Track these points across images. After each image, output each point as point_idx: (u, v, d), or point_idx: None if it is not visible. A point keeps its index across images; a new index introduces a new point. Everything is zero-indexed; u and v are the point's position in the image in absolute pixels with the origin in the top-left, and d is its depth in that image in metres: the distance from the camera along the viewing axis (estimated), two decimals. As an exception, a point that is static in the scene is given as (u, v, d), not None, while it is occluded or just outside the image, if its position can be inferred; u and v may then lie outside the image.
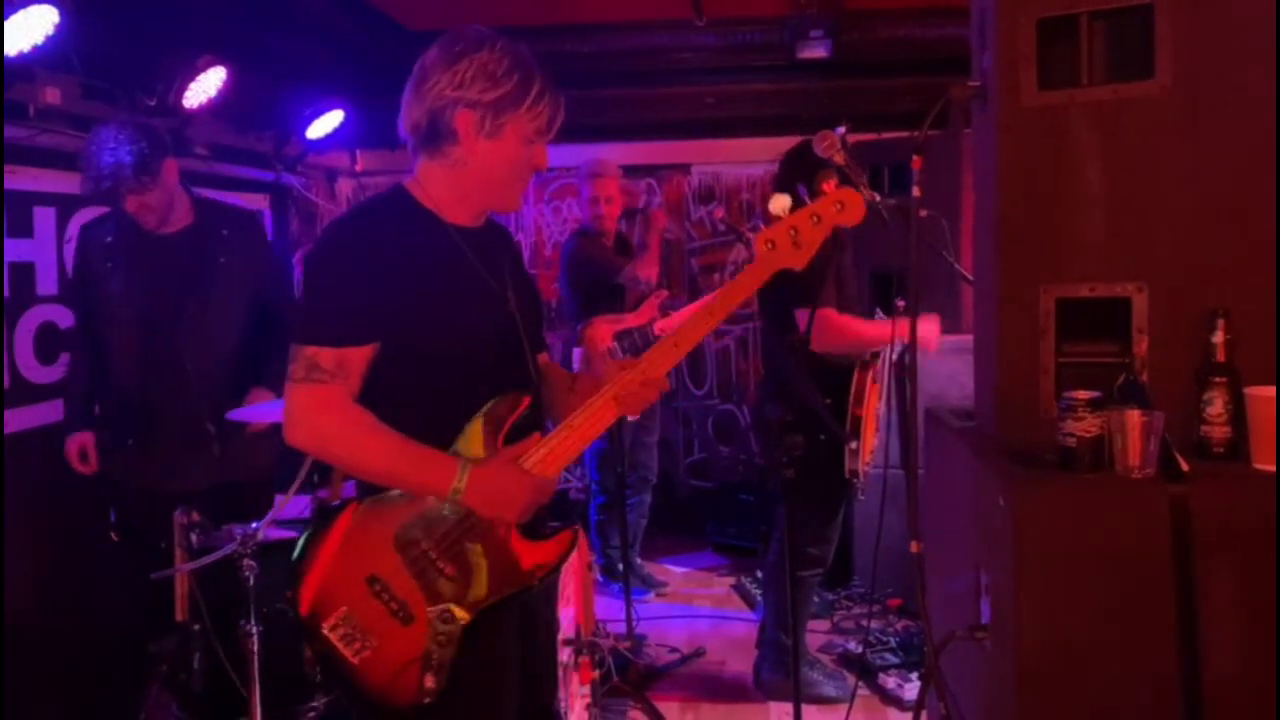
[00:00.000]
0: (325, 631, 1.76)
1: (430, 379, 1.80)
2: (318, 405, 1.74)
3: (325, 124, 4.49)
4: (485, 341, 1.84)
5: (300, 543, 1.81)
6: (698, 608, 4.57)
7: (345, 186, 5.69)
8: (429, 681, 1.74)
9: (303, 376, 1.74)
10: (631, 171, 5.79)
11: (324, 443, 1.77)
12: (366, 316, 1.75)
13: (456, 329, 1.81)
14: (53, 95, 3.11)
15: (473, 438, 1.80)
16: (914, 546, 2.07)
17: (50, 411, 3.31)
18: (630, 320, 4.32)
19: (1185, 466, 1.74)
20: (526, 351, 1.92)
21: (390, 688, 1.76)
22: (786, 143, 3.56)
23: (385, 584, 1.76)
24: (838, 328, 3.14)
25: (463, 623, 1.76)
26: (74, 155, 3.33)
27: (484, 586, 1.78)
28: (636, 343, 4.27)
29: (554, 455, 1.83)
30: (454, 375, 1.80)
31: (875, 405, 3.26)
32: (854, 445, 3.12)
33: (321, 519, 1.83)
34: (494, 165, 1.82)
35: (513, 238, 2.16)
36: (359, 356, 1.75)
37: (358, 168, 5.62)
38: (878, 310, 3.62)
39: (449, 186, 1.85)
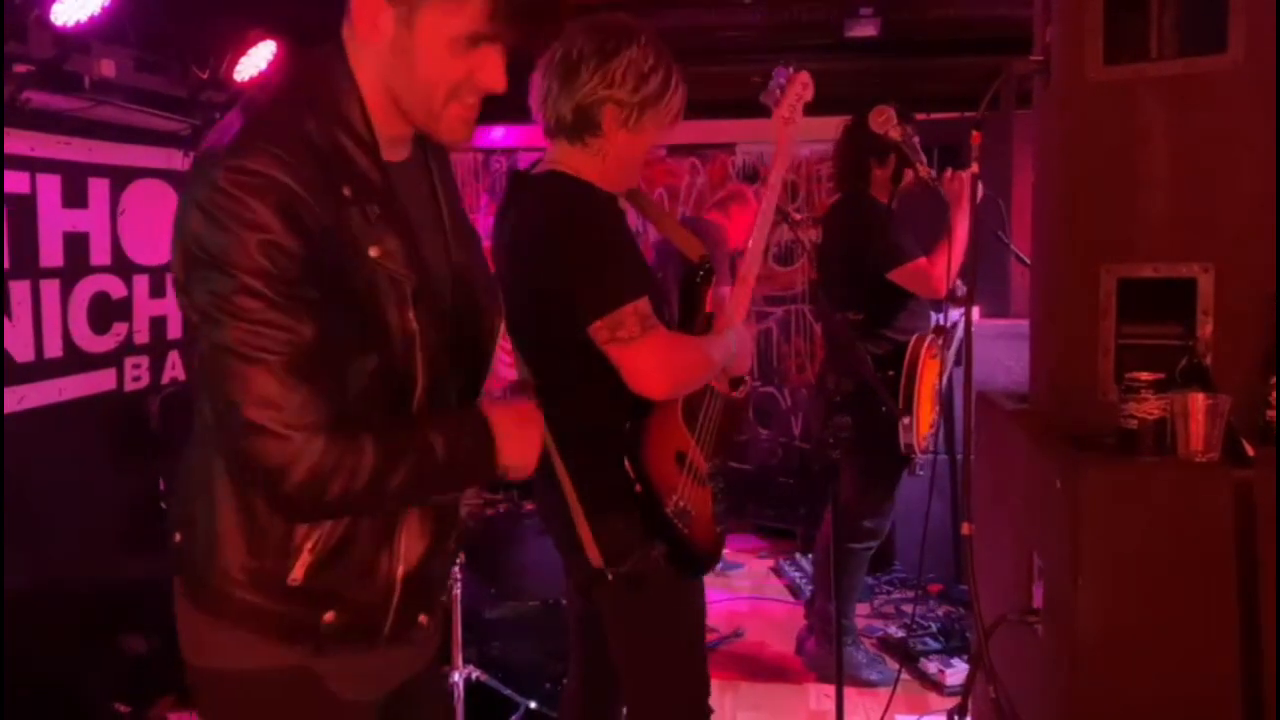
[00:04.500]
0: (668, 511, 1.93)
1: None
2: (666, 346, 1.87)
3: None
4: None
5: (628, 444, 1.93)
6: (736, 589, 4.56)
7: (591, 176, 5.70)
8: (718, 527, 2.06)
9: (639, 331, 1.83)
10: (675, 150, 5.77)
11: (679, 375, 1.90)
12: (639, 269, 1.91)
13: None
14: (108, 68, 3.13)
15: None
16: (965, 529, 2.05)
17: (104, 380, 3.36)
18: None
19: (1251, 451, 1.70)
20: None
21: (709, 544, 2.05)
22: (832, 123, 3.53)
23: (687, 457, 1.97)
24: (936, 273, 3.16)
25: (721, 470, 2.07)
26: (128, 127, 3.37)
27: (725, 437, 2.07)
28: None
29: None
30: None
31: (932, 380, 3.22)
32: (907, 420, 3.10)
33: (635, 422, 1.93)
34: (631, 154, 1.95)
35: None
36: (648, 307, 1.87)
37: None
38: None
39: (588, 170, 1.94)
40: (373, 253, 1.27)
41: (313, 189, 1.21)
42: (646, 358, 1.82)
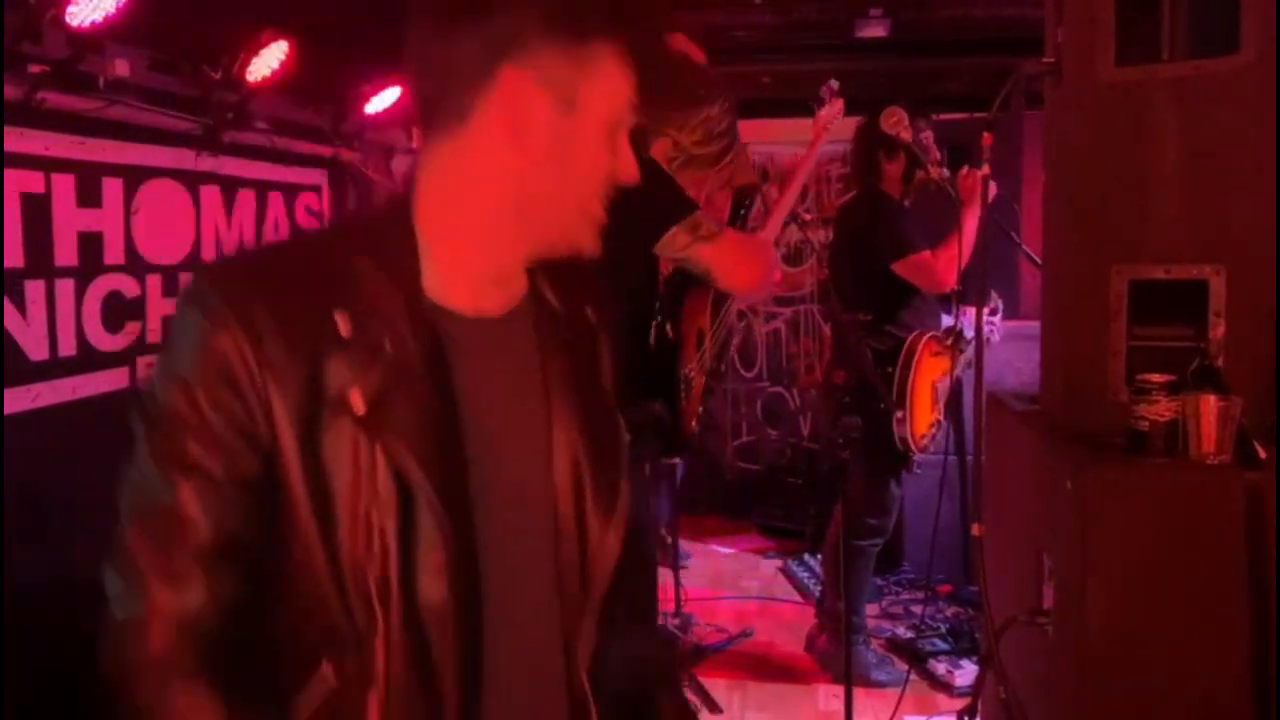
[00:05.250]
0: (682, 372, 2.12)
1: None
2: (739, 237, 2.19)
3: (383, 100, 4.51)
4: None
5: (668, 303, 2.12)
6: (745, 589, 4.56)
7: (401, 163, 5.72)
8: (697, 421, 2.30)
9: (716, 230, 2.05)
10: (684, 151, 5.78)
11: (757, 268, 2.12)
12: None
13: None
14: (122, 68, 3.14)
15: None
16: (975, 529, 2.05)
17: (116, 379, 3.37)
18: None
19: (1262, 454, 1.70)
20: None
21: (689, 426, 2.25)
22: (843, 124, 3.53)
23: (704, 340, 2.19)
24: (940, 266, 3.17)
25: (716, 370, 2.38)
26: (141, 127, 3.38)
27: (721, 345, 2.33)
28: None
29: None
30: None
31: (932, 378, 3.22)
32: (900, 415, 3.09)
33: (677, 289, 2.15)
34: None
35: None
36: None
37: (414, 144, 5.65)
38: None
39: None
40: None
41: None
42: (733, 249, 2.00)
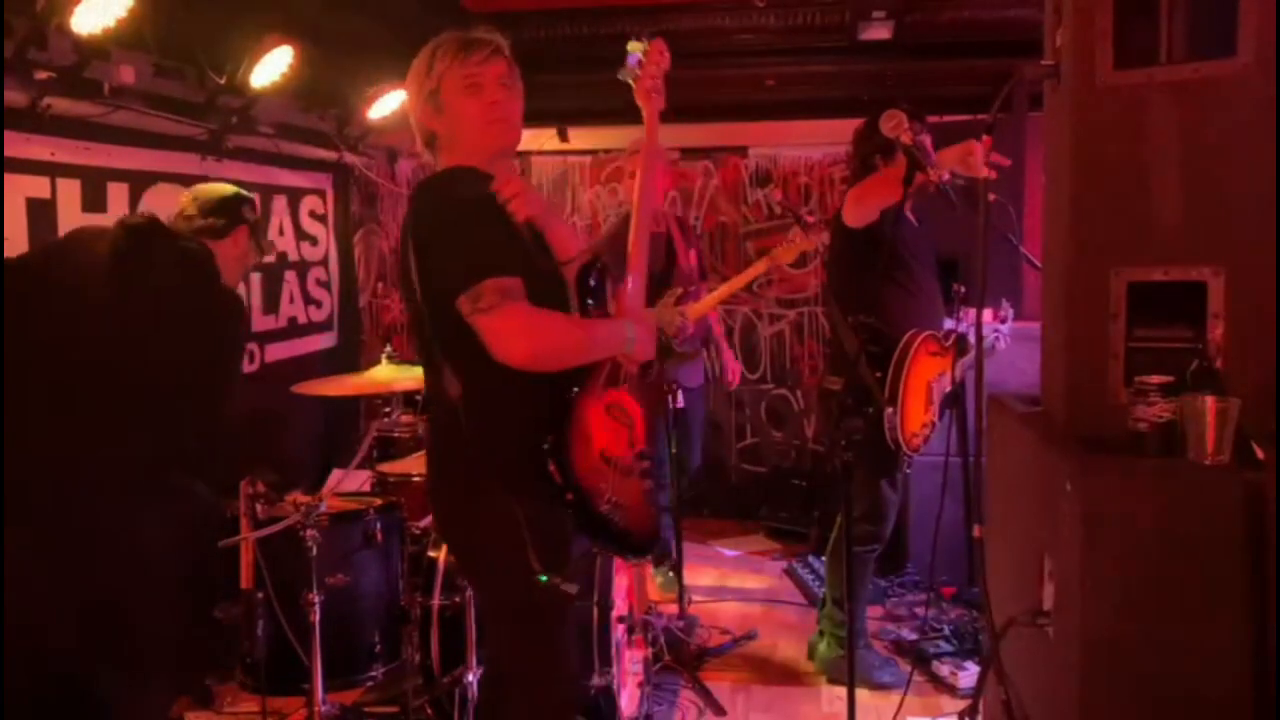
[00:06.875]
0: (603, 511, 2.00)
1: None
2: (520, 315, 1.92)
3: (387, 104, 4.53)
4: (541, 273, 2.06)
5: (551, 450, 1.98)
6: (750, 591, 4.57)
7: (405, 167, 5.74)
8: (653, 508, 2.15)
9: (498, 301, 1.89)
10: (688, 154, 5.78)
11: (542, 343, 1.94)
12: (512, 249, 1.97)
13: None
14: (127, 74, 3.17)
15: None
16: (976, 531, 2.06)
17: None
18: None
19: (1261, 455, 1.70)
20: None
21: (646, 527, 2.13)
22: (845, 125, 3.54)
23: (611, 456, 2.04)
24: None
25: (649, 455, 2.15)
26: (146, 132, 3.41)
27: (643, 419, 2.14)
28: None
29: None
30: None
31: (927, 378, 3.21)
32: (890, 411, 3.08)
33: (560, 425, 1.99)
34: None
35: None
36: (519, 285, 1.93)
37: (417, 148, 5.66)
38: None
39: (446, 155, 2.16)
40: None
41: None
42: (507, 322, 1.89)
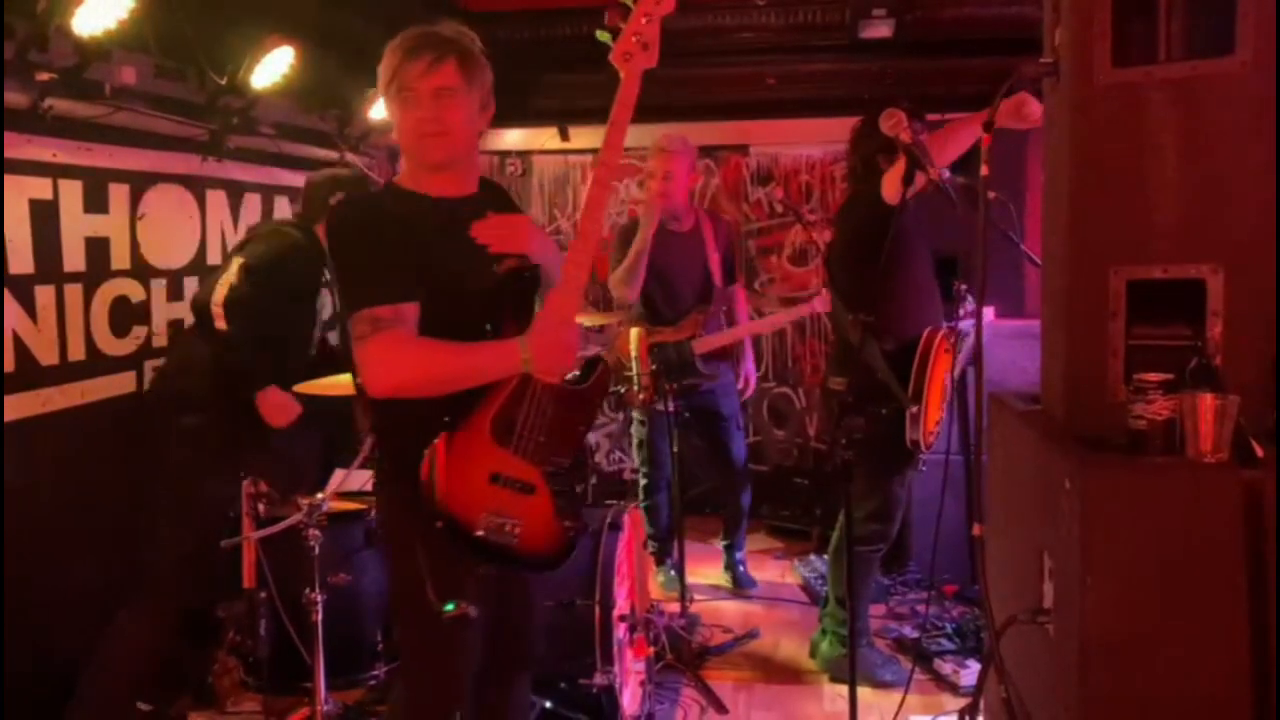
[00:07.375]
0: (479, 535, 1.99)
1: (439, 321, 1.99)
2: (385, 348, 1.92)
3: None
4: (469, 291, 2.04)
5: (423, 485, 1.96)
6: (751, 590, 4.57)
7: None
8: (564, 523, 2.09)
9: (367, 331, 1.91)
10: (690, 152, 5.78)
11: (405, 375, 1.93)
12: (398, 275, 1.94)
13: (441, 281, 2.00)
14: (128, 75, 3.18)
15: None
16: (976, 529, 2.06)
17: (122, 382, 3.41)
18: (668, 334, 4.19)
19: (1260, 452, 1.70)
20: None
21: (549, 544, 2.09)
22: (846, 124, 3.54)
23: (504, 475, 2.01)
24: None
25: (565, 468, 2.08)
26: (147, 133, 3.41)
27: (566, 434, 2.07)
28: (671, 357, 4.13)
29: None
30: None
31: (942, 375, 3.21)
32: (914, 410, 3.08)
33: (429, 461, 1.96)
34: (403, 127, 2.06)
35: (506, 196, 2.32)
36: (411, 311, 1.94)
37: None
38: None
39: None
40: None
41: None
42: (367, 354, 1.91)
